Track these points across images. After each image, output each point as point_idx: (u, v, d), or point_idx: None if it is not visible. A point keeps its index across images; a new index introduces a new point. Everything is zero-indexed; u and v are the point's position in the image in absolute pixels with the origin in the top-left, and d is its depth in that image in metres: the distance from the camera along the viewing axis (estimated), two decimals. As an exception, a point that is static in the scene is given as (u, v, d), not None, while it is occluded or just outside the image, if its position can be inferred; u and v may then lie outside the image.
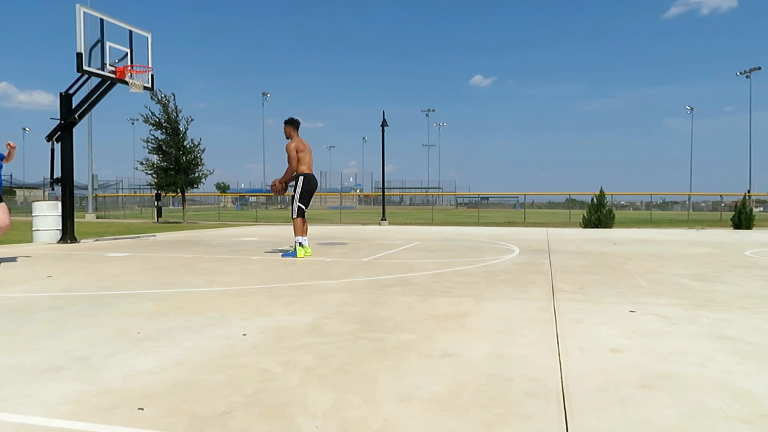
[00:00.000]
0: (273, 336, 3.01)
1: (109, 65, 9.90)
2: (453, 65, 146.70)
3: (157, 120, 23.53)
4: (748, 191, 28.65)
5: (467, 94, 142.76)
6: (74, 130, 10.07)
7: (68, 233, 10.01)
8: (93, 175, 29.27)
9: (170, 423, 1.83)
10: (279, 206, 42.99)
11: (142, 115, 23.51)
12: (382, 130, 22.72)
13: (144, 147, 24.21)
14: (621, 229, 17.51)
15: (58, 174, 9.88)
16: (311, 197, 7.63)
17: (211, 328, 3.17)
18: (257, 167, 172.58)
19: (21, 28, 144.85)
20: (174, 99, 23.80)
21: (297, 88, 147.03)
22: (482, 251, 8.49)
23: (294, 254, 7.36)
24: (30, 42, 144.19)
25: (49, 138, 9.85)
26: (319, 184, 7.84)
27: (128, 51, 10.23)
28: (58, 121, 9.83)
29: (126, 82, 10.12)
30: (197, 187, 25.42)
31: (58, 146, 9.88)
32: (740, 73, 56.89)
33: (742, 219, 18.00)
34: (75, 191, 10.50)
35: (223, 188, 60.18)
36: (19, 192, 53.28)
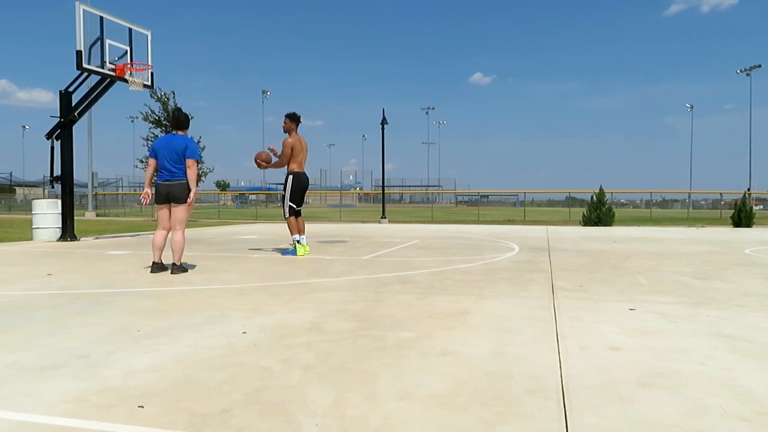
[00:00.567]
0: (273, 334, 3.01)
1: (109, 63, 9.88)
2: (453, 63, 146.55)
3: (157, 118, 23.49)
4: (748, 189, 28.68)
5: (467, 92, 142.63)
6: (74, 128, 10.07)
7: (68, 231, 10.01)
8: (93, 173, 29.31)
9: (170, 421, 1.83)
10: (278, 204, 42.95)
11: (141, 113, 23.43)
12: (382, 128, 22.69)
13: (144, 145, 24.05)
14: (621, 227, 17.49)
15: (58, 172, 9.88)
16: (303, 195, 7.64)
17: (211, 326, 3.18)
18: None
19: (21, 26, 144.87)
20: (174, 97, 23.76)
21: (297, 85, 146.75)
22: (482, 249, 8.49)
23: (294, 252, 7.36)
24: (29, 40, 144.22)
25: (49, 136, 9.84)
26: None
27: (128, 49, 10.21)
28: (58, 119, 9.82)
29: (126, 80, 10.11)
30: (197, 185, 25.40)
31: (57, 144, 9.87)
32: (740, 70, 56.86)
33: (741, 217, 17.98)
34: (75, 189, 10.49)
35: (222, 186, 60.29)
36: (19, 190, 53.27)
